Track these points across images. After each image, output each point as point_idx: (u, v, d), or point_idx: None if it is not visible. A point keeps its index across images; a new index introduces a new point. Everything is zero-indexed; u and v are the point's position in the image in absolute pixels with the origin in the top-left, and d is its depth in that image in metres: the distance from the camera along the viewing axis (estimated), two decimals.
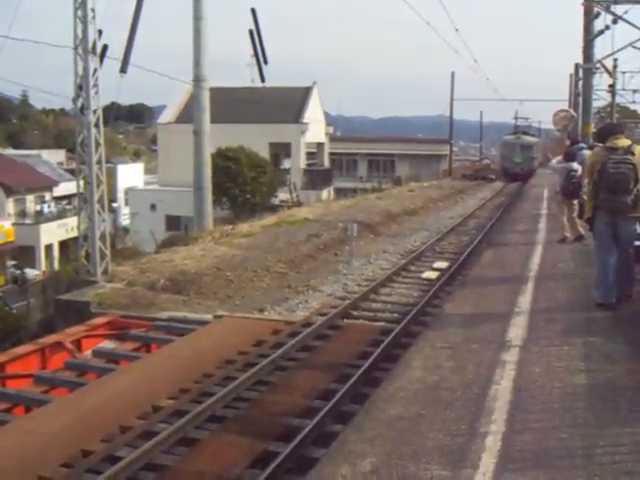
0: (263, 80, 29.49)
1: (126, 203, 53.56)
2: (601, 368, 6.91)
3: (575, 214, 14.83)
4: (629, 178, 8.52)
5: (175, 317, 12.28)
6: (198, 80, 22.20)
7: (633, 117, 57.93)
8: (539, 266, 12.80)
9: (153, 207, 41.97)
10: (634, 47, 27.48)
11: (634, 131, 50.65)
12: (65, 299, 13.53)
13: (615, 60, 36.48)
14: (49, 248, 48.70)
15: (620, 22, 24.63)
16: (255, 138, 39.49)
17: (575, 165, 14.60)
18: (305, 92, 48.70)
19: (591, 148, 13.31)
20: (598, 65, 28.20)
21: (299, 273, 16.42)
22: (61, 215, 52.32)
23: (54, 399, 8.68)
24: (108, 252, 15.38)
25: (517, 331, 8.35)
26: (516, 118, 66.48)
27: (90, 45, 14.83)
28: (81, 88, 14.97)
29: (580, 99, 28.50)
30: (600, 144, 9.37)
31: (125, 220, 53.25)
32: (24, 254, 46.48)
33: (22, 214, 51.20)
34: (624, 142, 8.77)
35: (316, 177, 47.50)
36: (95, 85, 14.96)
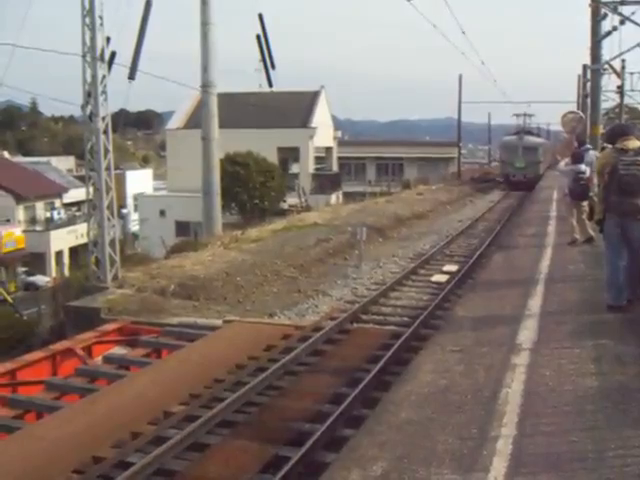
0: (271, 85, 29.45)
1: (135, 209, 53.73)
2: (612, 370, 6.87)
3: (584, 216, 14.77)
4: None
5: (185, 323, 12.30)
6: (206, 86, 22.24)
7: None
8: (549, 268, 12.74)
9: (162, 213, 42.06)
10: None
11: None
12: (75, 305, 13.57)
13: (623, 61, 36.26)
14: (59, 255, 48.88)
15: (628, 23, 24.54)
16: (263, 143, 39.55)
17: (583, 167, 14.54)
18: (313, 96, 48.77)
19: (602, 149, 13.21)
20: (606, 66, 28.08)
21: (309, 277, 16.43)
22: (71, 222, 52.53)
23: (65, 405, 8.71)
24: (118, 258, 15.42)
25: (527, 334, 8.31)
26: (524, 115, 56.69)
27: (98, 52, 14.88)
28: (90, 95, 15.03)
29: (588, 100, 28.36)
30: (610, 145, 9.32)
31: (134, 226, 53.39)
32: (35, 261, 46.69)
33: (32, 221, 51.44)
34: (635, 143, 8.71)
35: (325, 181, 47.50)
36: (104, 92, 15.02)
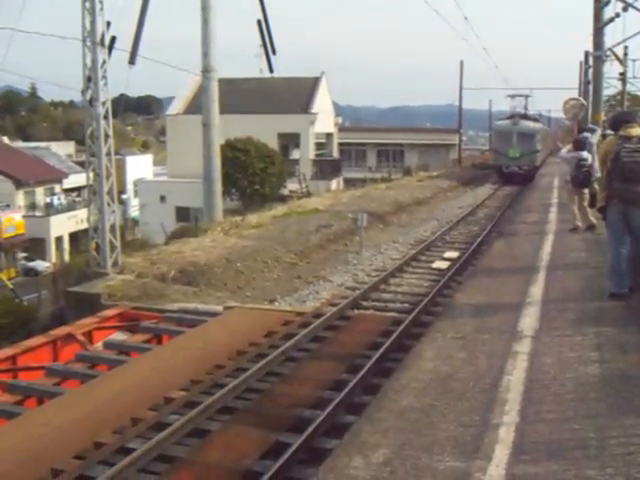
0: (272, 71, 29.40)
1: (135, 194, 53.66)
2: (614, 358, 6.85)
3: (586, 203, 14.75)
4: None
5: (186, 308, 12.29)
6: (207, 71, 22.15)
7: None
8: (550, 256, 12.72)
9: (162, 198, 42.01)
10: None
11: None
12: (76, 291, 13.57)
13: (626, 48, 35.98)
14: (59, 240, 48.90)
15: (630, 9, 24.39)
16: (264, 129, 39.45)
17: (585, 154, 14.51)
18: (314, 82, 48.62)
19: (604, 137, 13.13)
20: (608, 53, 27.95)
21: (309, 264, 16.42)
22: (71, 207, 52.52)
23: (66, 391, 8.70)
24: (118, 244, 15.40)
25: (529, 321, 8.30)
26: (521, 96, 49.25)
27: (98, 37, 14.81)
28: (90, 80, 14.97)
29: (590, 87, 28.24)
30: (613, 132, 9.28)
31: (134, 212, 53.34)
32: (35, 246, 46.73)
33: (32, 206, 51.42)
34: (637, 131, 8.67)
35: (325, 167, 47.43)
36: (104, 77, 14.96)
